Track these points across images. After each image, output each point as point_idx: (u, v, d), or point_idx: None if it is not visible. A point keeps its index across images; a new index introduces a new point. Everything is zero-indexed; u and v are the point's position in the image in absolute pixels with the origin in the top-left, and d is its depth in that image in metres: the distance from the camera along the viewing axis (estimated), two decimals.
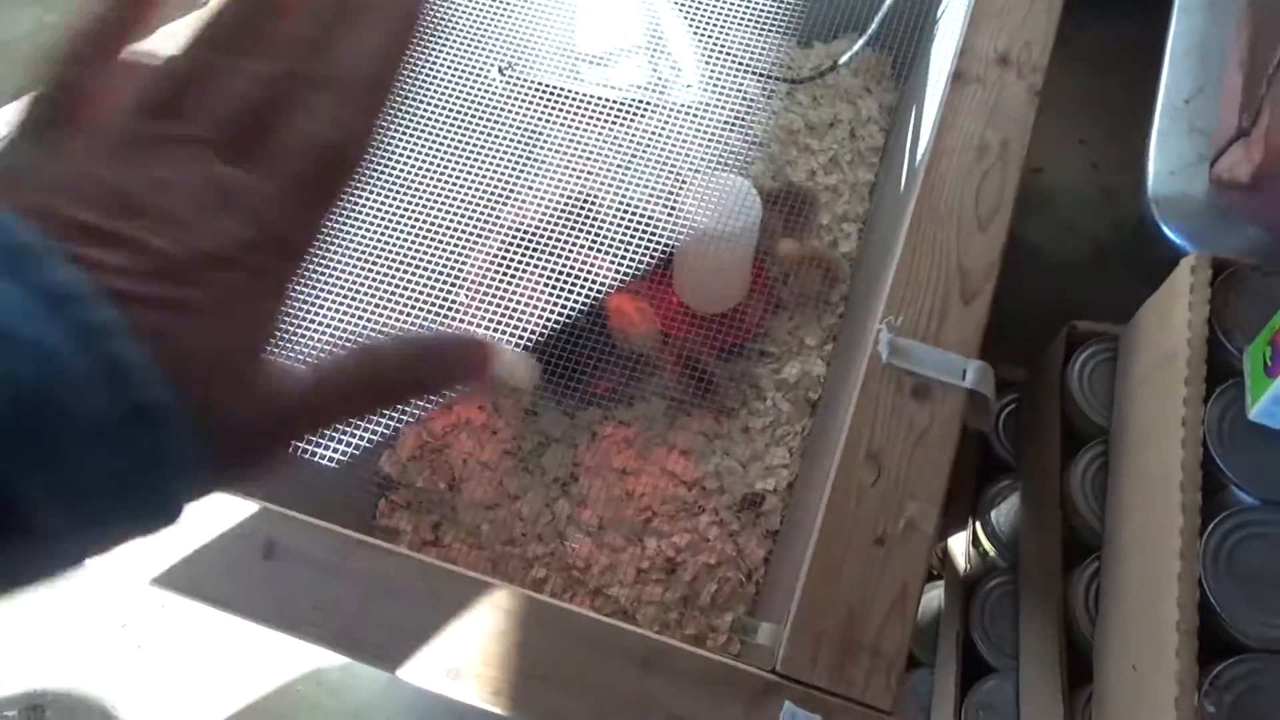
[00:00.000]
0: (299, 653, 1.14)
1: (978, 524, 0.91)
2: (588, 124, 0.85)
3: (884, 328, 0.67)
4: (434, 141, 0.81)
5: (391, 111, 0.27)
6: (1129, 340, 0.78)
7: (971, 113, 0.76)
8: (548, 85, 0.87)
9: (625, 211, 0.78)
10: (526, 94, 0.85)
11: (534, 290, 0.76)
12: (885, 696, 0.58)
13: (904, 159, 1.02)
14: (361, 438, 0.69)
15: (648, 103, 0.88)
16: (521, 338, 0.74)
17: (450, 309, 0.74)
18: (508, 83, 0.85)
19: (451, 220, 0.77)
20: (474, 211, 0.78)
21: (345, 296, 0.74)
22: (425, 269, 0.75)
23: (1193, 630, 0.55)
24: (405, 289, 0.75)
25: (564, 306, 0.74)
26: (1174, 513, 0.59)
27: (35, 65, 0.24)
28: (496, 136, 0.81)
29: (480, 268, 0.78)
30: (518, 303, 0.75)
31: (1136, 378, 0.74)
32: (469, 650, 0.60)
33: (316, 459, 0.68)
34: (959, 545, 0.94)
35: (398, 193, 0.79)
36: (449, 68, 0.84)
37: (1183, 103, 0.81)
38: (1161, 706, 0.55)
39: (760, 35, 0.90)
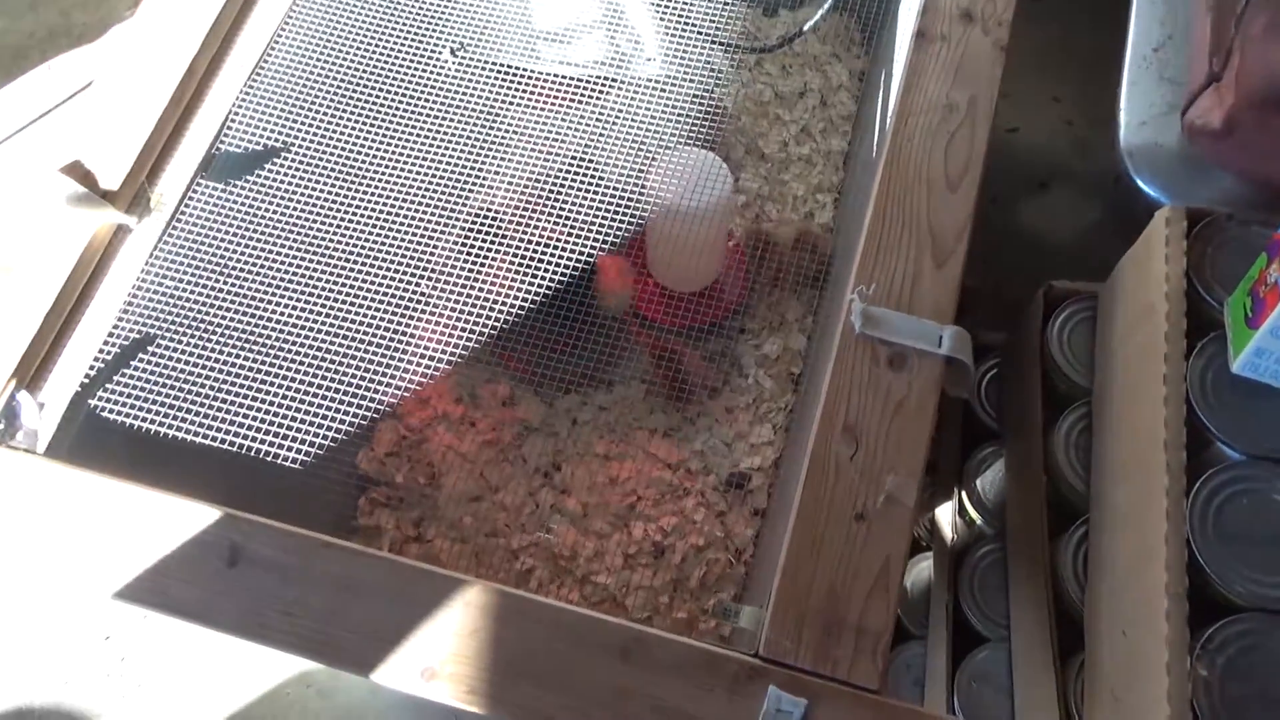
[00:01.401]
0: (286, 656, 1.13)
1: (963, 492, 0.90)
2: (548, 104, 0.83)
3: (856, 297, 0.66)
4: (387, 128, 0.78)
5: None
6: (1107, 298, 0.76)
7: (937, 72, 0.74)
8: (504, 65, 0.84)
9: (592, 191, 0.76)
10: (482, 75, 0.83)
11: (502, 276, 0.74)
12: (872, 675, 0.56)
13: (875, 125, 1.00)
14: (333, 437, 0.67)
15: (609, 79, 0.86)
16: (490, 325, 0.72)
17: (415, 300, 0.72)
18: (461, 64, 0.83)
19: (411, 209, 0.75)
20: (434, 199, 0.76)
21: (304, 293, 0.72)
22: (387, 261, 0.73)
23: (1182, 593, 0.54)
24: (367, 282, 0.73)
25: (533, 291, 0.72)
26: (1159, 473, 0.58)
27: None
28: (453, 120, 0.79)
29: (444, 256, 0.75)
30: (485, 290, 0.73)
31: (1116, 336, 0.72)
32: (442, 649, 0.58)
33: (283, 461, 0.66)
34: (945, 515, 0.93)
35: (352, 183, 0.76)
36: (398, 50, 0.82)
37: (1151, 51, 0.79)
38: (1154, 671, 0.53)
39: (724, 5, 0.88)
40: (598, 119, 0.81)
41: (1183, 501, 0.57)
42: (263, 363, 0.69)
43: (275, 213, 0.75)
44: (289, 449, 0.67)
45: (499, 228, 0.76)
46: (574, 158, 0.79)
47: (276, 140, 0.78)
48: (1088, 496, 0.72)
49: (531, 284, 0.72)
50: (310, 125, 0.79)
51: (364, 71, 0.81)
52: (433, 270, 0.74)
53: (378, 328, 0.71)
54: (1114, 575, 0.64)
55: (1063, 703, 0.68)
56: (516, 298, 0.72)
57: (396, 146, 0.78)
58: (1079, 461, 0.75)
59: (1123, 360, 0.69)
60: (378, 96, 0.80)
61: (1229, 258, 0.65)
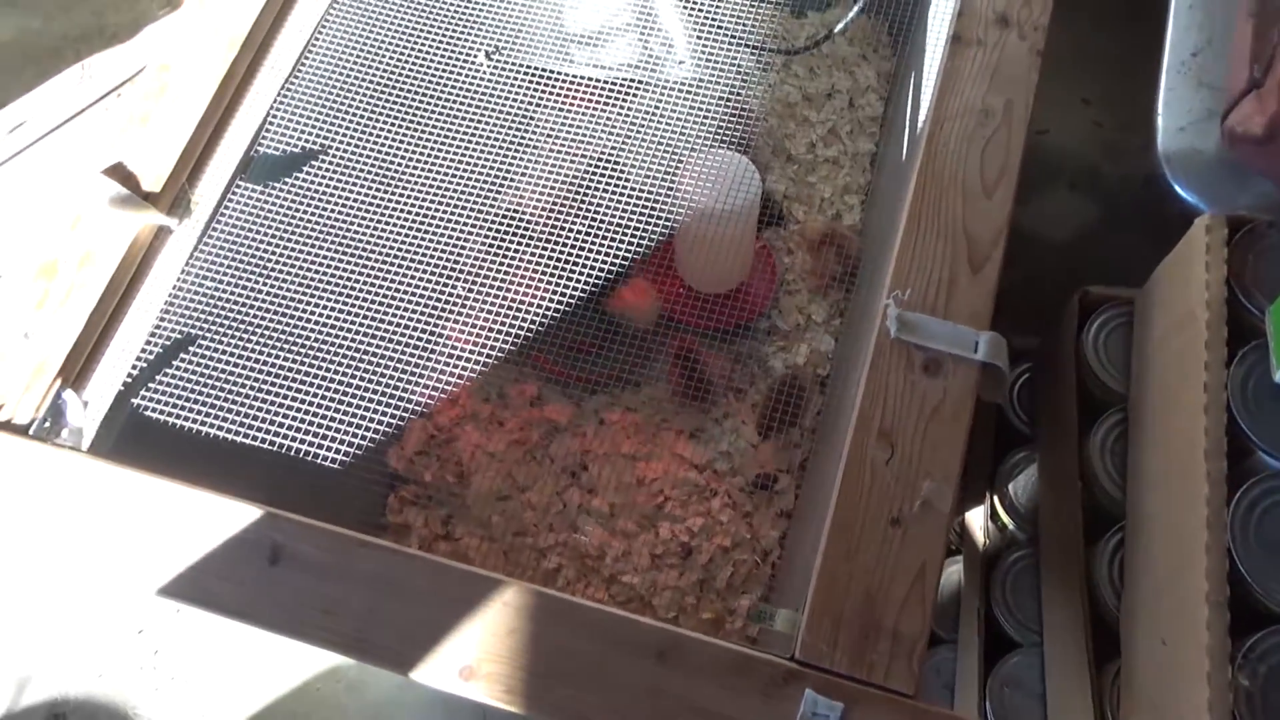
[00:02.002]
0: (316, 651, 1.14)
1: (995, 497, 0.89)
2: (580, 106, 0.83)
3: (891, 302, 0.66)
4: (422, 130, 0.79)
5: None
6: (1145, 304, 0.76)
7: (972, 76, 0.74)
8: (537, 68, 0.85)
9: (623, 193, 0.76)
10: (516, 78, 0.83)
11: (533, 278, 0.75)
12: (908, 680, 0.56)
13: (905, 127, 1.00)
14: (364, 435, 0.68)
15: (641, 81, 0.86)
16: (522, 327, 0.73)
17: (449, 301, 0.73)
18: (496, 67, 0.83)
19: (444, 211, 0.76)
20: (467, 201, 0.76)
21: (340, 294, 0.73)
22: (421, 262, 0.74)
23: (1223, 602, 0.54)
24: (401, 284, 0.73)
25: (565, 293, 0.73)
26: (1199, 481, 0.57)
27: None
28: (487, 123, 0.80)
29: (477, 258, 0.76)
30: (517, 291, 0.74)
31: (1154, 343, 0.72)
32: (480, 649, 0.59)
33: (318, 460, 0.67)
34: (977, 519, 0.93)
35: (387, 185, 0.77)
36: (435, 54, 0.82)
37: (1189, 56, 0.78)
38: (1194, 681, 0.53)
39: (753, 7, 0.88)
40: (629, 121, 0.82)
41: (1223, 510, 0.57)
42: (299, 362, 0.70)
43: (312, 215, 0.76)
44: (324, 448, 0.67)
45: (531, 229, 0.77)
46: (605, 160, 0.79)
47: (313, 143, 0.79)
48: (1123, 503, 0.72)
49: (562, 285, 0.72)
50: (346, 128, 0.80)
51: (399, 75, 0.81)
52: (466, 271, 0.74)
53: (412, 328, 0.72)
54: (1152, 583, 0.64)
55: (1098, 710, 0.67)
56: (548, 299, 0.73)
57: (431, 149, 0.78)
58: (1115, 468, 0.74)
59: (1161, 367, 0.69)
60: (413, 100, 0.80)
61: (1270, 265, 0.64)
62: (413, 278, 0.73)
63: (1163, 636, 0.59)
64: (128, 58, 1.45)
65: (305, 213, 0.76)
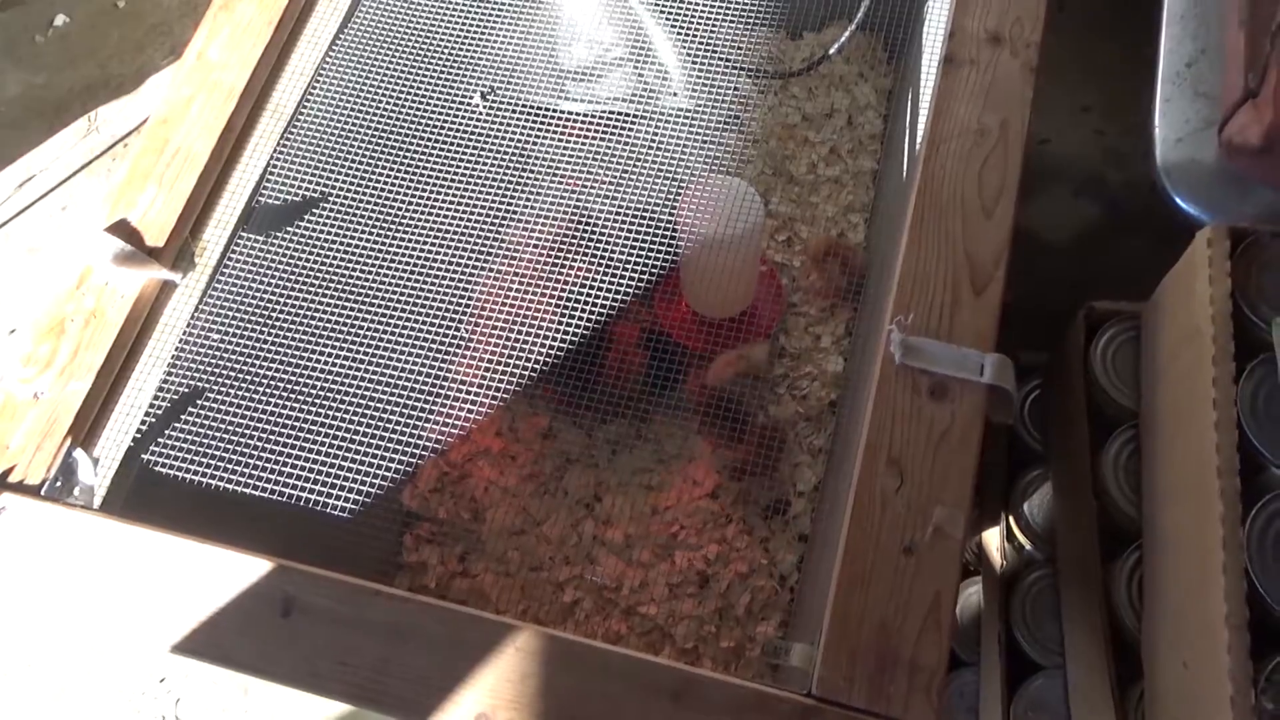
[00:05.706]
0: None
1: (1011, 518, 0.88)
2: (578, 141, 0.84)
3: (894, 327, 0.65)
4: (421, 174, 0.79)
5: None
6: (1151, 319, 0.75)
7: (966, 97, 0.74)
8: (534, 106, 0.85)
9: (626, 224, 0.76)
10: (513, 117, 0.83)
11: (540, 314, 0.75)
12: (927, 713, 0.56)
13: (904, 144, 1.00)
14: (378, 478, 0.68)
15: (637, 114, 0.87)
16: (531, 363, 0.73)
17: (455, 342, 0.73)
18: (491, 107, 0.84)
19: (448, 252, 0.76)
20: (470, 242, 0.76)
21: (345, 340, 0.73)
22: (426, 303, 0.74)
23: (1243, 624, 0.53)
24: (407, 326, 0.73)
25: (572, 325, 0.73)
26: (1213, 500, 0.57)
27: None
28: (486, 164, 0.80)
29: (483, 298, 0.76)
30: (525, 329, 0.74)
31: (1162, 359, 0.71)
32: (495, 695, 0.58)
33: (331, 510, 0.67)
34: (993, 539, 0.92)
35: (389, 229, 0.77)
36: (429, 97, 0.83)
37: (1184, 67, 0.78)
38: (1217, 706, 0.52)
39: (748, 31, 0.88)
40: (629, 153, 0.82)
41: (1239, 529, 0.56)
42: (308, 411, 0.70)
43: (315, 262, 0.77)
44: (337, 495, 0.67)
45: (536, 266, 0.77)
46: (606, 194, 0.79)
47: (314, 191, 0.80)
48: (1139, 521, 0.71)
49: (570, 319, 0.72)
50: (346, 174, 0.80)
51: (397, 119, 0.82)
52: (471, 311, 0.75)
53: (419, 371, 0.72)
54: (1170, 604, 0.63)
55: None
56: (556, 334, 0.73)
57: (431, 192, 0.79)
58: (1129, 485, 0.73)
59: (1169, 384, 0.68)
60: (411, 143, 0.81)
61: (1275, 276, 0.63)
62: (418, 319, 0.74)
63: (1184, 659, 0.58)
64: (134, 107, 1.47)
65: (309, 261, 0.77)
